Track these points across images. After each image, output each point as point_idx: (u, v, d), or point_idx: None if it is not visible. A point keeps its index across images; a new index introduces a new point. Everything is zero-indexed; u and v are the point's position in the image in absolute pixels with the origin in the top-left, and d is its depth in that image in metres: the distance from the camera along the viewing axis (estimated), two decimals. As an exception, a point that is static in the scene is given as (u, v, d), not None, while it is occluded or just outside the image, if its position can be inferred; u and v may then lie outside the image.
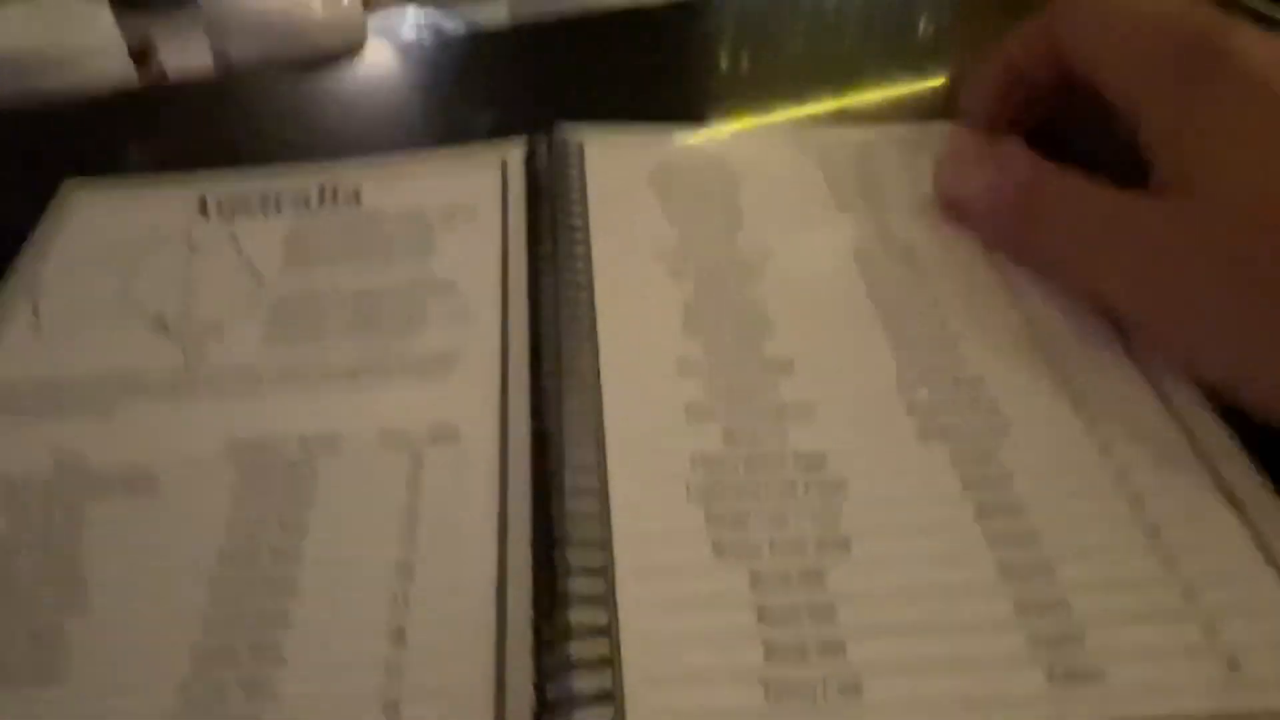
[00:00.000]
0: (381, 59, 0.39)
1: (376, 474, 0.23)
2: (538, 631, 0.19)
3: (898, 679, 0.18)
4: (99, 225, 0.29)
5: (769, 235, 0.28)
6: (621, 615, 0.19)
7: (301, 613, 0.20)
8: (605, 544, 0.20)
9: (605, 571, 0.20)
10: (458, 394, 0.24)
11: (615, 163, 0.31)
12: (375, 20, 0.54)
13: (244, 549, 0.21)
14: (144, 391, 0.25)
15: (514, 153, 0.31)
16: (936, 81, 0.37)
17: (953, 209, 0.28)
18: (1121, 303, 0.25)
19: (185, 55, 0.57)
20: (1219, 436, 0.23)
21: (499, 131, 0.34)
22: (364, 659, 0.19)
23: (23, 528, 0.22)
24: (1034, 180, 0.26)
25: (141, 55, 0.46)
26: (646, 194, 0.30)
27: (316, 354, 0.25)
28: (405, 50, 0.40)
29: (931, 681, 0.18)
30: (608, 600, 0.19)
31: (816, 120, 0.35)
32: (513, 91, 0.37)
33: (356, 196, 0.30)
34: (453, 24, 0.50)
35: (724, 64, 0.40)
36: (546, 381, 0.24)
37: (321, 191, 0.31)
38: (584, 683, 0.18)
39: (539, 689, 0.18)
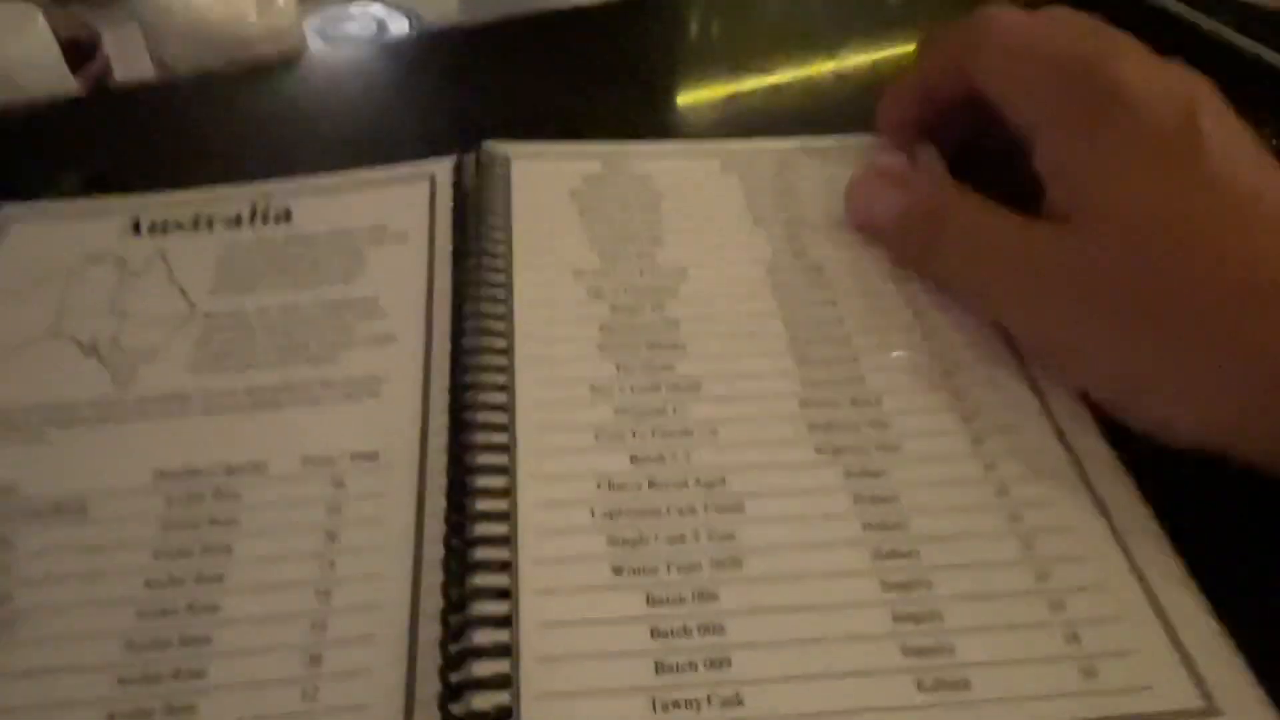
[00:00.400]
0: (319, 66, 0.39)
1: (299, 499, 0.24)
2: (445, 650, 0.20)
3: (778, 690, 0.20)
4: (32, 250, 0.30)
5: (686, 253, 0.29)
6: (522, 638, 0.20)
7: (224, 636, 0.21)
8: (511, 567, 0.21)
9: (510, 593, 0.21)
10: (380, 418, 0.25)
11: (540, 180, 0.31)
12: (319, 18, 0.54)
13: (169, 575, 0.22)
14: (75, 419, 0.25)
15: (442, 170, 0.32)
16: (863, 87, 0.38)
17: (863, 228, 0.30)
18: (1012, 325, 0.26)
19: (124, 49, 0.57)
20: (1099, 453, 0.24)
21: (434, 140, 0.34)
22: (282, 680, 0.21)
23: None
24: (937, 205, 0.27)
25: (79, 48, 0.46)
26: (570, 211, 0.31)
27: (243, 379, 0.26)
28: (343, 56, 0.40)
29: (810, 692, 0.20)
30: (511, 621, 0.21)
31: (745, 124, 0.36)
32: (449, 98, 0.38)
33: (287, 215, 0.31)
34: (396, 23, 0.50)
35: (666, 65, 0.41)
36: (464, 405, 0.25)
37: (253, 211, 0.31)
38: (484, 701, 0.19)
39: (444, 707, 0.20)
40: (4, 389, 0.26)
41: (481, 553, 0.22)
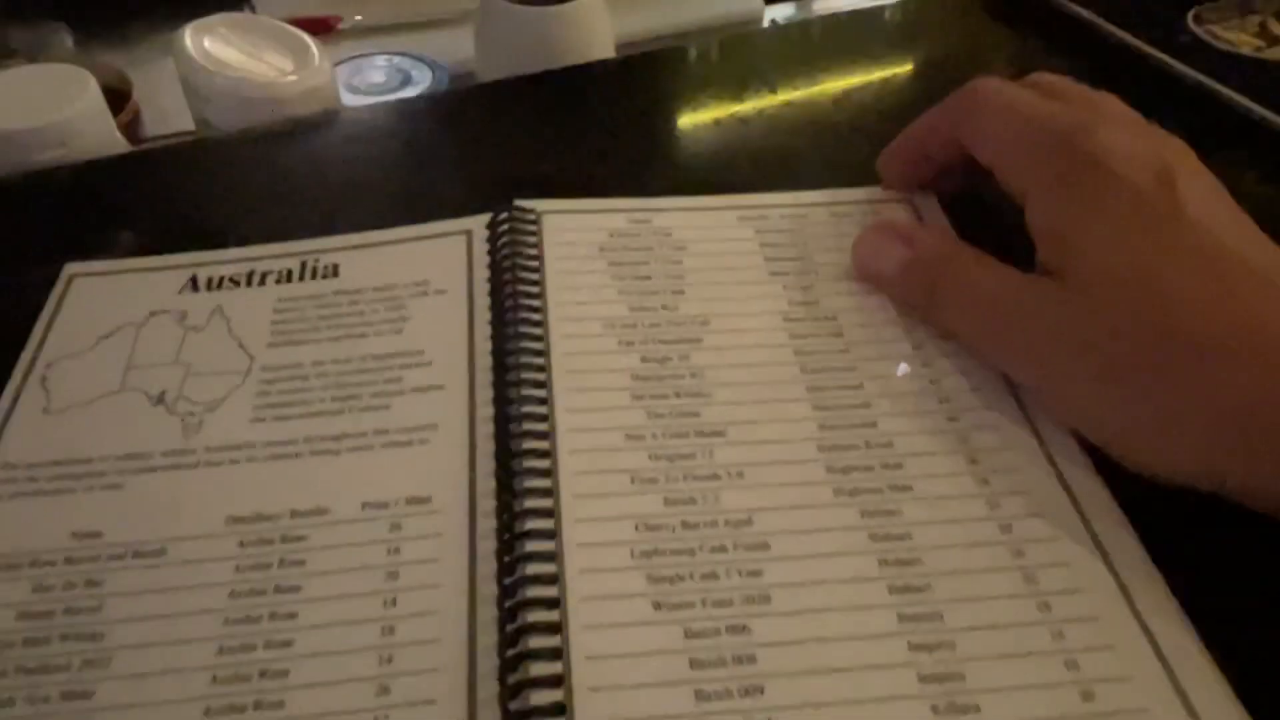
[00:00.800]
0: (352, 126, 0.42)
1: (360, 540, 0.26)
2: (503, 681, 0.22)
3: (809, 716, 0.22)
4: (98, 306, 0.32)
5: (708, 304, 0.32)
6: (574, 669, 0.22)
7: (299, 669, 0.23)
8: (560, 604, 0.24)
9: (560, 628, 0.23)
10: (431, 464, 0.27)
11: (569, 235, 0.34)
12: (345, 69, 0.56)
13: (245, 612, 0.24)
14: (149, 467, 0.28)
15: (478, 226, 0.34)
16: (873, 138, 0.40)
17: (868, 281, 0.32)
18: (1012, 372, 0.28)
19: (157, 90, 0.59)
20: (1096, 492, 0.26)
21: (465, 196, 0.37)
22: (354, 711, 0.23)
23: (48, 598, 0.25)
24: (938, 258, 0.30)
25: (112, 95, 0.48)
26: (598, 265, 0.33)
27: (303, 428, 0.28)
28: (374, 115, 0.43)
29: (836, 717, 0.22)
30: (563, 654, 0.23)
31: (759, 185, 0.38)
32: (475, 154, 0.40)
33: (335, 271, 0.33)
34: (419, 72, 0.53)
35: (681, 115, 0.43)
36: (510, 452, 0.27)
37: (303, 267, 0.33)
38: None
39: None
40: (83, 439, 0.28)
41: (532, 591, 0.24)
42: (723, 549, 0.25)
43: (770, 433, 0.28)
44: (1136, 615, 0.24)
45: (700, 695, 0.22)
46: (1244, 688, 0.22)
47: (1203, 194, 0.26)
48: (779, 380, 0.29)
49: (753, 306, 0.32)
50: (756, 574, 0.24)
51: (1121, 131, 0.27)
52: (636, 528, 0.25)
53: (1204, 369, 0.24)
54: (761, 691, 0.22)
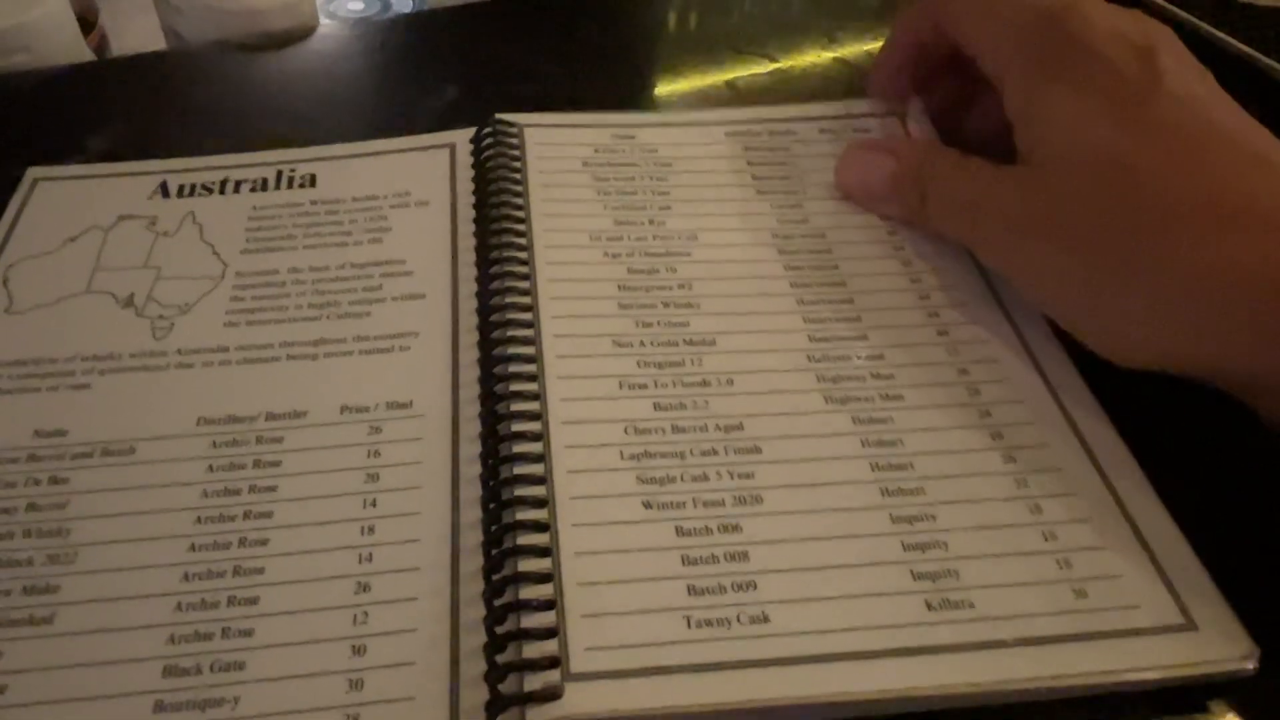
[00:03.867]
0: (331, 41, 0.40)
1: (339, 443, 0.25)
2: (489, 578, 0.22)
3: (800, 610, 0.21)
4: (63, 210, 0.31)
5: (695, 220, 0.31)
6: (563, 565, 0.22)
7: (275, 566, 0.23)
8: (549, 504, 0.23)
9: (549, 527, 0.23)
10: (412, 370, 0.27)
11: (553, 149, 0.33)
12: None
13: (218, 511, 0.24)
14: (117, 368, 0.26)
15: (461, 140, 0.33)
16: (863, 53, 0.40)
17: (857, 200, 0.31)
18: (989, 261, 0.28)
19: (126, 22, 0.57)
20: (1077, 388, 0.26)
21: (445, 113, 0.35)
22: (332, 604, 0.22)
23: (10, 494, 0.24)
24: (922, 165, 0.29)
25: (83, 22, 0.46)
26: (582, 179, 0.32)
27: (279, 333, 0.27)
28: (354, 32, 0.41)
29: (829, 611, 0.22)
30: (552, 552, 0.22)
31: (745, 100, 0.38)
32: (458, 72, 0.39)
33: (312, 180, 0.32)
34: (400, 2, 0.51)
35: (665, 40, 0.42)
36: (494, 359, 0.26)
37: (279, 175, 0.32)
38: (531, 621, 0.21)
39: (490, 630, 0.21)
40: (46, 340, 0.27)
41: (519, 490, 0.23)
42: (713, 452, 0.24)
43: (760, 343, 0.27)
44: (1125, 514, 0.24)
45: (693, 590, 0.22)
46: (1221, 577, 0.22)
47: (1184, 72, 0.25)
48: (769, 293, 0.29)
49: (741, 222, 0.31)
50: (748, 476, 0.24)
51: (1102, 10, 0.27)
52: (626, 430, 0.25)
53: (1170, 239, 0.23)
54: (754, 587, 0.22)
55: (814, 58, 0.40)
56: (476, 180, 0.32)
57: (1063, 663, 0.21)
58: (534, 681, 0.20)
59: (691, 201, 0.32)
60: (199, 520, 0.23)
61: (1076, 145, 0.25)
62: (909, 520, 0.23)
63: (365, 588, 0.22)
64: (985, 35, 0.28)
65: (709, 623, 0.21)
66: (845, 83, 0.36)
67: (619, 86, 0.39)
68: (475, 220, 0.30)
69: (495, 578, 0.22)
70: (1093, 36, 0.26)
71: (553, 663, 0.20)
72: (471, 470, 0.24)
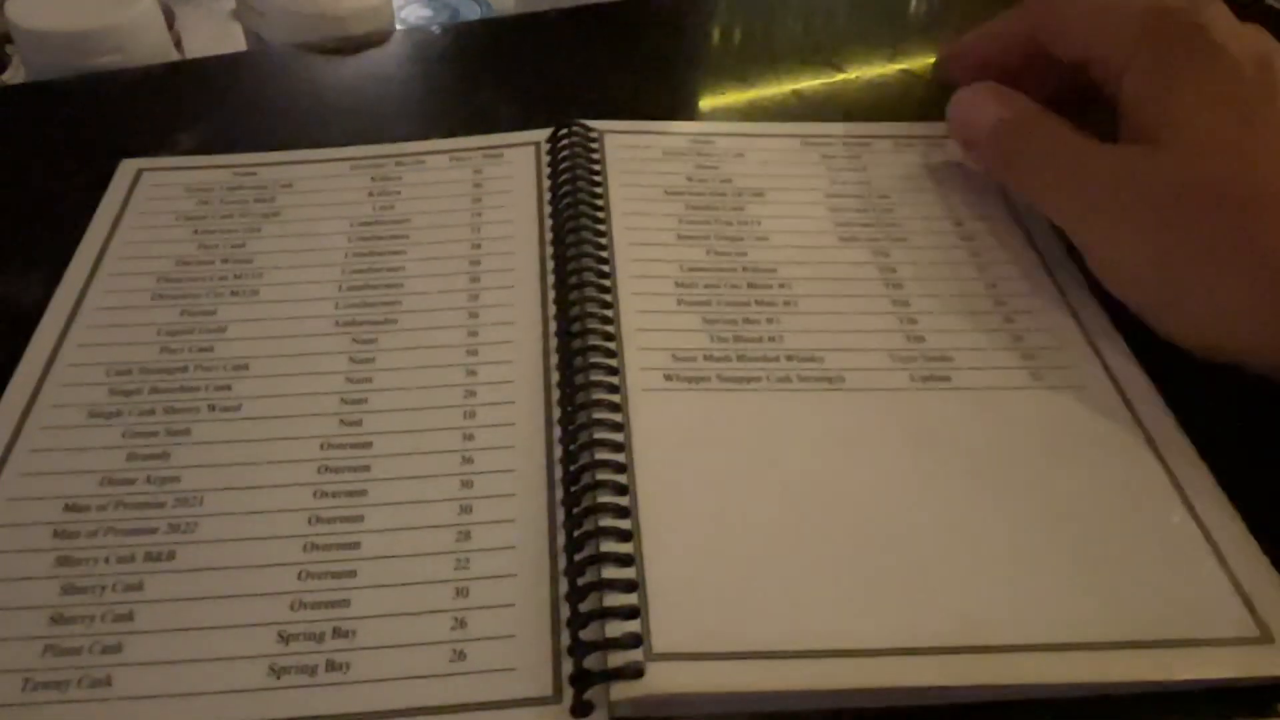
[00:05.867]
0: (407, 46, 0.42)
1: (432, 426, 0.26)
2: (571, 559, 0.23)
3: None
4: (164, 199, 0.32)
5: (777, 223, 0.32)
6: (646, 546, 0.23)
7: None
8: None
9: (630, 512, 0.23)
10: (509, 363, 0.28)
11: (630, 153, 0.34)
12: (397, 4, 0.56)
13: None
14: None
15: (543, 139, 0.34)
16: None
17: (961, 137, 0.32)
18: (1075, 233, 0.29)
19: (197, 24, 0.59)
20: (1138, 378, 0.27)
21: (522, 116, 0.36)
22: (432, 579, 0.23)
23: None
24: (1027, 116, 0.30)
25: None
26: (659, 179, 0.33)
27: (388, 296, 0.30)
28: (428, 38, 0.43)
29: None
30: (633, 534, 0.23)
31: (811, 108, 0.39)
32: (528, 80, 0.40)
33: (400, 176, 0.33)
34: (468, 10, 0.53)
35: (729, 49, 0.43)
36: (572, 353, 0.27)
37: (371, 167, 0.34)
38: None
39: (575, 607, 0.22)
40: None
41: (600, 474, 0.24)
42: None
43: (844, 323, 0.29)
44: (1195, 518, 0.24)
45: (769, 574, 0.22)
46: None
47: None
48: (850, 277, 0.30)
49: (818, 224, 0.32)
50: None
51: (1224, 16, 0.28)
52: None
53: (1274, 232, 0.24)
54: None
55: (880, 69, 0.41)
56: (553, 178, 0.33)
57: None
58: (616, 659, 0.21)
59: (770, 202, 0.32)
60: (316, 494, 0.24)
61: (1200, 131, 0.26)
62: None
63: (469, 485, 0.24)
64: (1102, 31, 0.29)
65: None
66: (911, 94, 0.37)
67: (684, 95, 0.40)
68: (552, 216, 0.31)
69: (578, 558, 0.22)
70: (1213, 31, 0.27)
71: (635, 640, 0.21)
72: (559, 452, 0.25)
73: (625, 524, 0.23)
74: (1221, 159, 0.25)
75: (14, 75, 0.50)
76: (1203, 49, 0.27)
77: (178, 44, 0.57)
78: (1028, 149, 0.29)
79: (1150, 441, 0.26)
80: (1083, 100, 0.30)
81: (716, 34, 0.45)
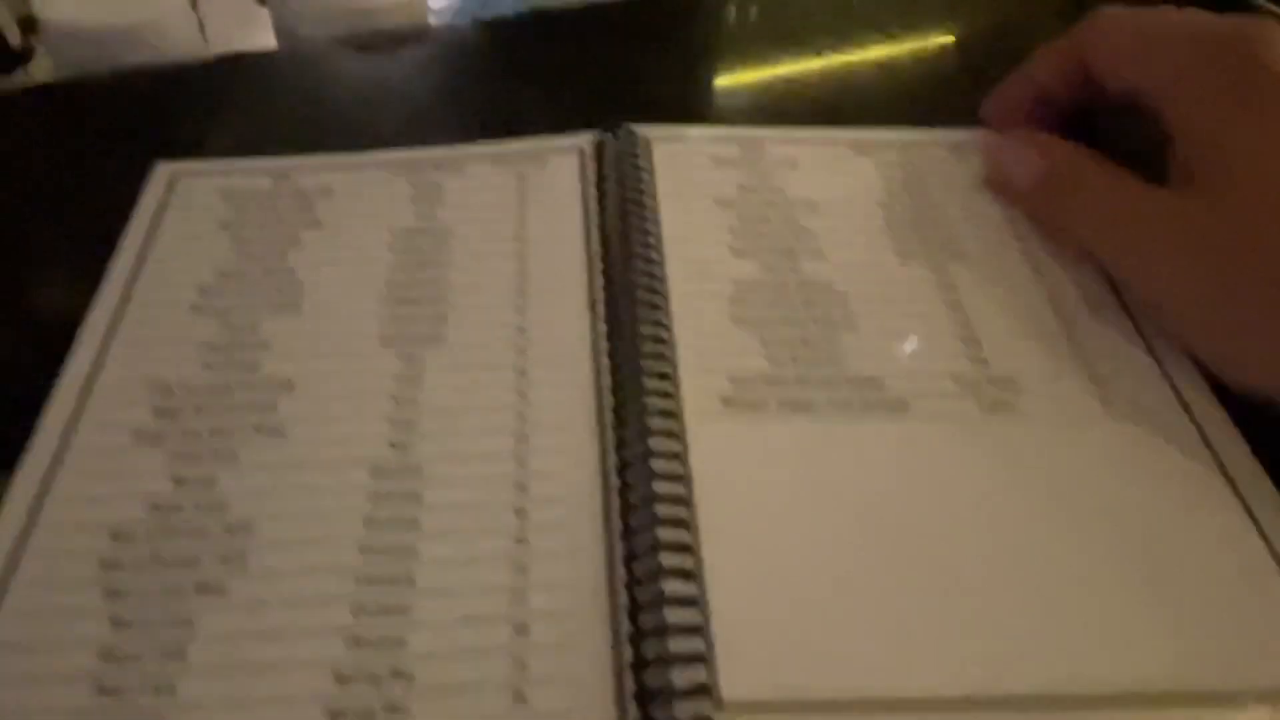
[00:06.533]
0: (444, 41, 0.41)
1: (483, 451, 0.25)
2: (634, 600, 0.22)
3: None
4: (201, 206, 0.31)
5: (832, 235, 0.31)
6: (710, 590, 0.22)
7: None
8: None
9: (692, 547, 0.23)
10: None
11: (680, 160, 0.33)
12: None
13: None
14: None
15: (587, 145, 0.33)
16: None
17: (999, 191, 0.31)
18: (1133, 278, 0.27)
19: (222, 18, 0.58)
20: (1218, 416, 0.26)
21: (558, 116, 0.35)
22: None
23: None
24: (1072, 164, 0.29)
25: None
26: (710, 189, 0.32)
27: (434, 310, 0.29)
28: (465, 33, 0.42)
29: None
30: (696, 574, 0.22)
31: (860, 107, 0.37)
32: (565, 75, 0.39)
33: (441, 183, 0.33)
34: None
35: (774, 45, 0.42)
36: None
37: (411, 173, 0.33)
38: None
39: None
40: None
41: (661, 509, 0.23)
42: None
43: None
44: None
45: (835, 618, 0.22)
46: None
47: None
48: (909, 296, 0.29)
49: (873, 238, 0.31)
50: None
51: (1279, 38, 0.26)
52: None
53: None
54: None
55: (931, 68, 0.40)
56: (599, 185, 0.32)
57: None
58: (684, 709, 0.20)
59: (819, 212, 0.31)
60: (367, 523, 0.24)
61: (1259, 176, 0.24)
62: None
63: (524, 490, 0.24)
64: (1154, 63, 0.28)
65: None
66: (967, 94, 0.36)
67: (728, 89, 0.39)
68: (600, 227, 0.30)
69: (639, 598, 0.22)
70: (1276, 63, 0.25)
71: (703, 690, 0.20)
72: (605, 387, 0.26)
73: (688, 562, 0.22)
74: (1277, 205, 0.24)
75: (38, 66, 0.49)
76: (1257, 82, 0.25)
77: (200, 27, 0.56)
78: (1077, 199, 0.28)
79: (1223, 471, 0.25)
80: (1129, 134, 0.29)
81: (758, 25, 0.44)
